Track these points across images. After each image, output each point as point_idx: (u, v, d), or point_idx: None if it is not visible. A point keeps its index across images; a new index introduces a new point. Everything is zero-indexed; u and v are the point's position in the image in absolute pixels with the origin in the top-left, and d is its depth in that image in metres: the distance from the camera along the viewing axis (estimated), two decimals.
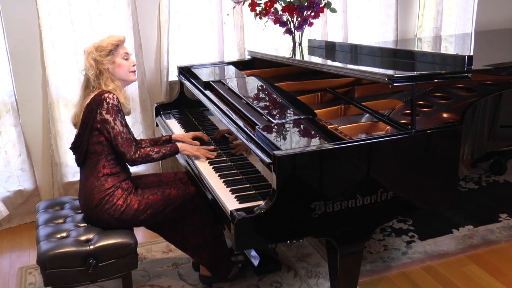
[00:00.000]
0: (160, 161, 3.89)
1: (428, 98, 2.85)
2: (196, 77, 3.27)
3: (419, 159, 2.30)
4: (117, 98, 2.46)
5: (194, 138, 2.85)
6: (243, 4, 3.65)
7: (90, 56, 2.50)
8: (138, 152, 2.49)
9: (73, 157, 2.58)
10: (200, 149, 2.67)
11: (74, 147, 2.54)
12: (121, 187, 2.49)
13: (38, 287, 2.89)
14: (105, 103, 2.42)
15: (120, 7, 3.59)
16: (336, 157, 2.12)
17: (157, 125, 3.50)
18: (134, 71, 2.62)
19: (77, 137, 2.50)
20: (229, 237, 2.95)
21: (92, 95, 2.48)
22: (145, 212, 2.51)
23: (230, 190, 2.32)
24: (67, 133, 3.62)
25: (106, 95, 2.43)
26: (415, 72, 2.54)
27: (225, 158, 2.66)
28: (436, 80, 2.71)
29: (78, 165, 2.57)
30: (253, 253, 2.99)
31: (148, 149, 2.54)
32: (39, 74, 3.53)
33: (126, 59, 2.57)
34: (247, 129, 2.38)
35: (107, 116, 2.42)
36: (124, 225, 2.49)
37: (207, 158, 2.65)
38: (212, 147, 2.75)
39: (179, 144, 2.66)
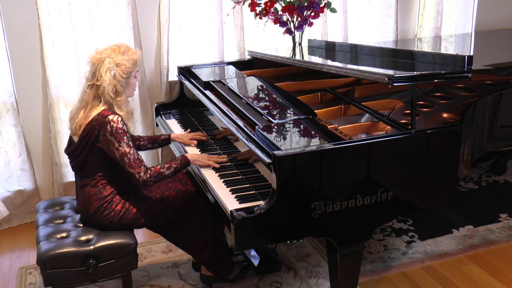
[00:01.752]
0: (160, 162, 3.90)
1: (428, 98, 2.85)
2: (196, 77, 3.27)
3: (419, 159, 2.30)
4: (122, 120, 2.33)
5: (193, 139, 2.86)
6: (243, 4, 3.65)
7: (109, 71, 2.32)
8: (149, 172, 2.35)
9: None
10: (210, 158, 2.57)
11: (72, 155, 2.45)
12: (119, 193, 2.46)
13: (38, 287, 2.89)
14: (108, 126, 2.30)
15: (120, 7, 3.59)
16: (336, 157, 2.12)
17: (157, 125, 3.50)
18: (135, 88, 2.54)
19: (76, 148, 2.40)
20: (229, 237, 2.95)
21: (95, 112, 2.34)
22: (145, 216, 2.50)
23: (230, 190, 2.32)
24: (67, 133, 3.61)
25: (110, 117, 2.30)
26: (415, 72, 2.54)
27: (228, 162, 2.65)
28: (436, 80, 2.71)
29: (74, 171, 2.50)
30: (253, 253, 2.99)
31: (158, 166, 2.40)
32: (39, 74, 3.53)
33: (136, 77, 2.47)
34: (247, 129, 2.38)
35: (111, 138, 2.30)
36: (124, 228, 2.48)
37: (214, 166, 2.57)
38: (225, 158, 2.62)
39: (189, 156, 2.53)
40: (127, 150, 2.32)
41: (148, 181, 2.36)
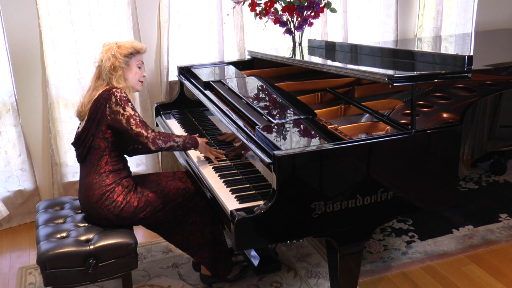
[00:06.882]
0: (159, 161, 3.90)
1: (428, 98, 2.85)
2: (196, 77, 3.27)
3: (419, 159, 2.30)
4: (124, 92, 2.48)
5: None
6: (243, 4, 3.65)
7: (110, 51, 2.53)
8: (157, 132, 2.44)
9: (73, 157, 2.59)
10: (212, 151, 2.65)
11: (77, 142, 2.54)
12: (121, 184, 2.50)
13: (38, 287, 2.89)
14: (113, 97, 2.44)
15: (120, 7, 3.59)
16: (336, 157, 2.12)
17: (157, 125, 3.50)
18: (142, 82, 2.67)
19: (82, 131, 2.50)
20: (229, 237, 2.95)
21: (100, 90, 2.49)
22: (145, 210, 2.51)
23: (230, 190, 2.32)
24: (67, 133, 3.63)
25: (114, 90, 2.46)
26: (415, 72, 2.54)
27: (225, 158, 2.66)
28: (436, 80, 2.71)
29: (79, 161, 2.57)
30: (253, 253, 2.99)
31: (168, 133, 2.52)
32: (39, 74, 3.53)
33: (140, 67, 2.62)
34: (247, 129, 2.38)
35: (117, 108, 2.43)
36: (124, 222, 2.50)
37: (211, 163, 2.61)
38: (223, 157, 2.67)
39: (199, 140, 2.60)
40: (132, 113, 2.44)
41: (157, 139, 2.42)
